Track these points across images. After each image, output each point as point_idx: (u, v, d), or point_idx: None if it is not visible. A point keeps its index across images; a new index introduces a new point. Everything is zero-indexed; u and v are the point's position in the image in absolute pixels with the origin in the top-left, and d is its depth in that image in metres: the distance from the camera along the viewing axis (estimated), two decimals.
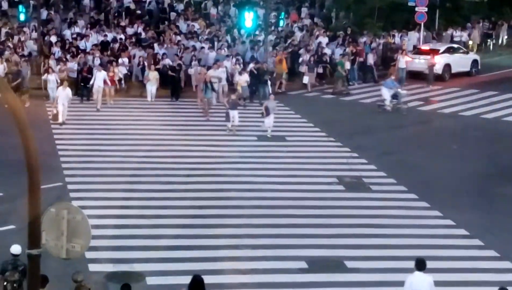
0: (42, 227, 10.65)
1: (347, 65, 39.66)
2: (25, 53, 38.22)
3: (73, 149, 28.12)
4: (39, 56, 38.35)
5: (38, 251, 10.49)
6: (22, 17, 43.83)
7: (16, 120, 9.84)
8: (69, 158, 27.05)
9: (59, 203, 11.17)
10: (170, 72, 36.51)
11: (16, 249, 14.83)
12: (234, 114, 30.81)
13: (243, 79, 35.64)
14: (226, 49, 41.09)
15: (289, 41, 44.05)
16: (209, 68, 36.62)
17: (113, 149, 28.31)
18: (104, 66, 35.25)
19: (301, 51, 41.35)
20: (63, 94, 31.23)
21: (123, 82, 36.35)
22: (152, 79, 35.55)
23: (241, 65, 37.55)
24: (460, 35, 49.87)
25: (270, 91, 35.47)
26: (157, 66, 36.56)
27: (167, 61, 37.33)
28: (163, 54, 38.31)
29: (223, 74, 36.17)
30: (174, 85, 36.57)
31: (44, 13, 45.38)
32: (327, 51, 42.18)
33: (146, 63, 37.12)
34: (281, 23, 50.07)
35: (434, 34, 49.44)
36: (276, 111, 31.00)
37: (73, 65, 36.13)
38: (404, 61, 40.80)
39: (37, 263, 10.69)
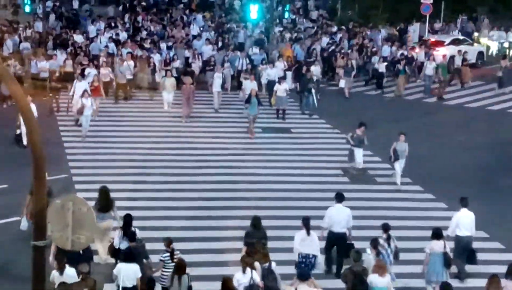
0: (48, 219, 10.70)
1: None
2: (5, 53, 35.88)
3: (78, 140, 28.12)
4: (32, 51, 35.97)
5: (43, 242, 10.54)
6: (27, 9, 43.82)
7: (20, 109, 9.88)
8: (74, 149, 27.11)
9: (64, 195, 11.21)
10: (183, 76, 33.56)
11: None
12: (359, 152, 25.56)
13: (282, 88, 31.73)
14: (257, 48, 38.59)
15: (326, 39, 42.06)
16: (239, 73, 35.09)
17: (119, 141, 28.34)
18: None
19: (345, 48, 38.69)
20: None
21: (114, 83, 33.09)
22: (169, 86, 31.90)
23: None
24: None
25: (316, 102, 32.64)
26: (168, 68, 34.20)
27: (178, 64, 35.56)
28: (174, 55, 36.24)
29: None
30: None
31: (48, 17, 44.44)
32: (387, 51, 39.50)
33: (157, 65, 35.23)
34: (286, 15, 50.07)
35: (429, 27, 47.78)
36: (406, 155, 24.90)
37: (45, 64, 33.33)
38: (432, 68, 36.98)
39: (42, 254, 10.75)
